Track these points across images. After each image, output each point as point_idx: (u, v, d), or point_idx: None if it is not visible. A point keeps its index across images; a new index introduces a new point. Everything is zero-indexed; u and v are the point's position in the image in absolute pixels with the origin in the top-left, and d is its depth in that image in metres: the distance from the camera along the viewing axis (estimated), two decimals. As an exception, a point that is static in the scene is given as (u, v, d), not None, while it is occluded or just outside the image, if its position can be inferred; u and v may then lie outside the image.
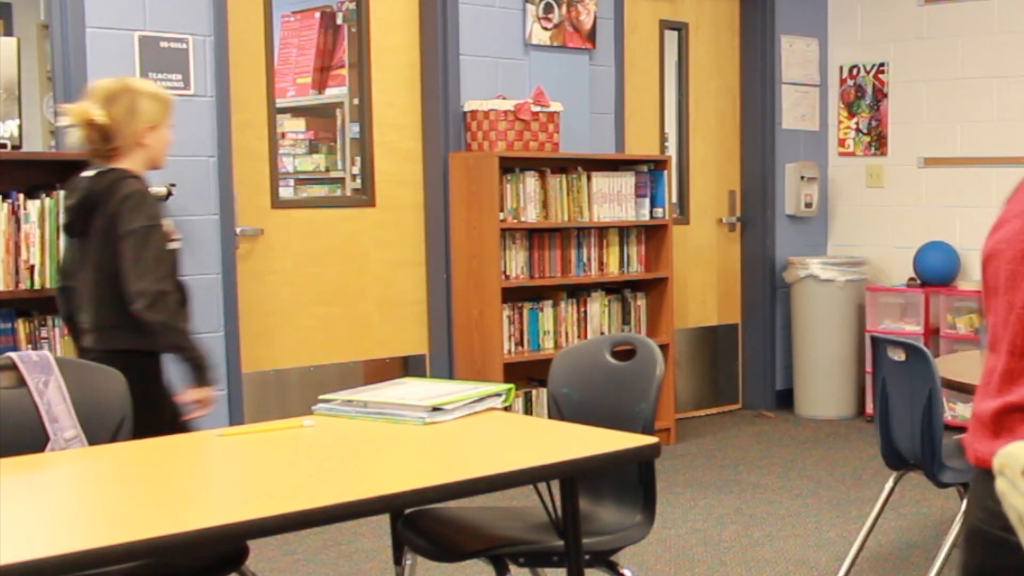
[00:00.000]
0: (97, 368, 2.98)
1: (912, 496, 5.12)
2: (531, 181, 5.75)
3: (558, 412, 3.14)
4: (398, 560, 3.07)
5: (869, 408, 6.89)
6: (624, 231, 6.20)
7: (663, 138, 7.00)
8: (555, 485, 2.62)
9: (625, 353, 3.10)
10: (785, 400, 7.26)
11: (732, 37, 7.31)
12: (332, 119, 5.82)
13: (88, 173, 3.47)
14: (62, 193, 3.75)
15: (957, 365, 4.06)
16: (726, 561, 4.42)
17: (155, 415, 3.21)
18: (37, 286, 4.22)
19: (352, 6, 5.71)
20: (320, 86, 5.85)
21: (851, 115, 7.47)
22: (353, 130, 5.77)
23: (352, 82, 5.75)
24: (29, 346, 4.24)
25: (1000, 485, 1.63)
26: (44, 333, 4.31)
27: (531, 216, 5.75)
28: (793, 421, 6.94)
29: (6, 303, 4.25)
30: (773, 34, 7.25)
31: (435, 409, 2.76)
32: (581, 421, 2.87)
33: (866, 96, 7.40)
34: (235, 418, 5.04)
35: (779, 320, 7.27)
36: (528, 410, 5.83)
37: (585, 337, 6.03)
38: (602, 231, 6.11)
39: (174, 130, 4.90)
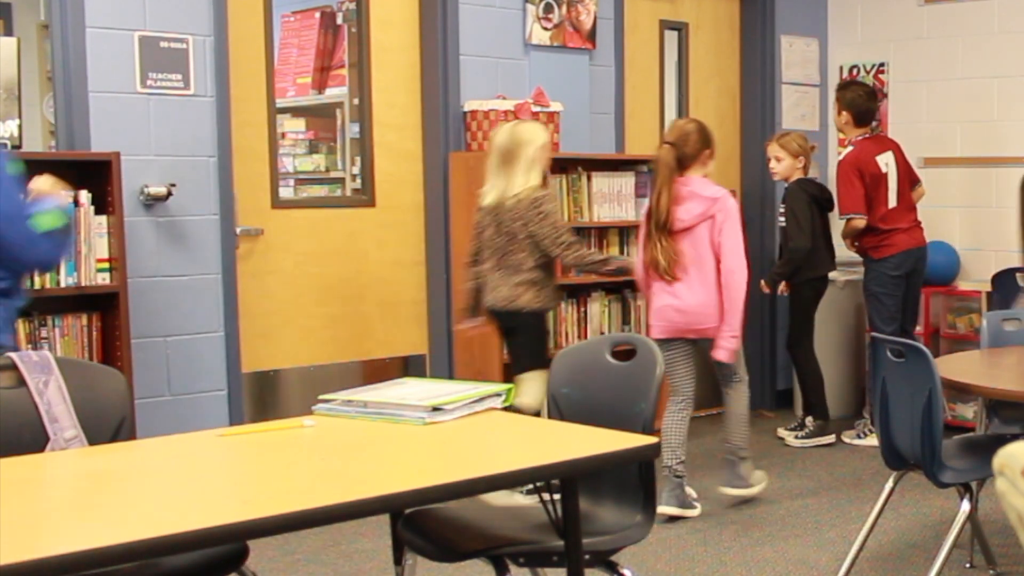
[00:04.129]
0: (97, 368, 2.98)
1: (912, 496, 5.12)
2: (531, 181, 5.74)
3: (558, 412, 3.14)
4: (398, 560, 3.07)
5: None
6: (624, 231, 6.20)
7: (663, 138, 6.99)
8: (555, 485, 2.62)
9: (625, 353, 3.10)
10: (785, 400, 7.26)
11: (732, 37, 7.31)
12: (332, 119, 5.82)
13: None
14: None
15: (957, 365, 4.06)
16: (726, 561, 4.42)
17: None
18: (37, 286, 4.22)
19: (352, 6, 5.71)
20: (320, 86, 5.85)
21: (851, 115, 7.46)
22: (353, 130, 5.77)
23: (352, 82, 5.75)
24: (29, 346, 4.24)
25: (1000, 485, 1.63)
26: (44, 333, 4.31)
27: (531, 216, 5.74)
28: (793, 421, 6.93)
29: (6, 303, 4.25)
30: (773, 34, 7.25)
31: (435, 409, 2.76)
32: (581, 421, 2.87)
33: (866, 96, 7.39)
34: (235, 418, 5.04)
35: (780, 320, 7.26)
36: (528, 410, 5.82)
37: (585, 337, 6.03)
38: (602, 231, 6.11)
39: (174, 130, 4.92)
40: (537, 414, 4.72)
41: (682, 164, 4.92)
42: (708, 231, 4.86)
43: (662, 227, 4.87)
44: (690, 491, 5.01)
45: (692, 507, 4.96)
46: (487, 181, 4.99)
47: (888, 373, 3.83)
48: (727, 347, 4.92)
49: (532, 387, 4.89)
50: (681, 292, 4.90)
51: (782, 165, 6.31)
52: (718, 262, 4.86)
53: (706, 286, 4.87)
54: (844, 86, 6.46)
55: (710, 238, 4.85)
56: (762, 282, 6.37)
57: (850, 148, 6.23)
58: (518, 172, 4.87)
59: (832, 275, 6.92)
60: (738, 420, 5.11)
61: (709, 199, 4.86)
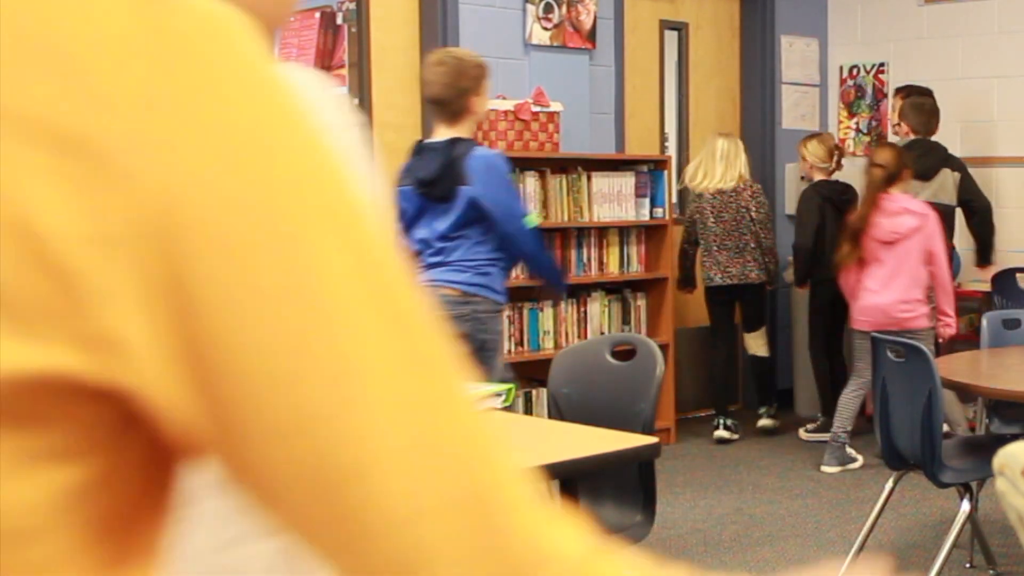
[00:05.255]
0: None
1: (912, 496, 5.12)
2: (531, 181, 5.75)
3: (558, 412, 3.14)
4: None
5: (869, 408, 6.88)
6: (624, 231, 6.20)
7: (663, 138, 7.00)
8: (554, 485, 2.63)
9: (625, 353, 3.10)
10: (785, 400, 7.26)
11: (732, 37, 7.31)
12: (332, 119, 5.81)
13: None
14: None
15: (957, 365, 4.06)
16: (726, 561, 4.43)
17: None
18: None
19: (352, 6, 5.71)
20: (320, 86, 5.84)
21: (851, 115, 7.47)
22: (353, 130, 5.77)
23: (352, 82, 5.75)
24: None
25: (1000, 485, 1.63)
26: (44, 333, 4.30)
27: (531, 216, 5.75)
28: (793, 421, 6.93)
29: (6, 303, 4.25)
30: (773, 34, 7.25)
31: (435, 409, 2.76)
32: (581, 421, 2.87)
33: (866, 96, 7.40)
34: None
35: (779, 320, 7.27)
36: (528, 410, 5.82)
37: (585, 337, 6.02)
38: (602, 231, 6.11)
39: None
40: (768, 359, 6.51)
41: (888, 183, 5.64)
42: (920, 242, 5.51)
43: (853, 235, 5.65)
44: (850, 451, 5.86)
45: (854, 460, 5.84)
46: (701, 172, 6.17)
47: (888, 373, 3.83)
48: (946, 326, 5.64)
49: (761, 341, 6.40)
50: (875, 290, 5.67)
51: (800, 167, 6.59)
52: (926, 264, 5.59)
53: (898, 288, 5.57)
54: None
55: (921, 247, 5.52)
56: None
57: None
58: (735, 167, 6.14)
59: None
60: (851, 407, 5.80)
61: (921, 214, 5.55)
